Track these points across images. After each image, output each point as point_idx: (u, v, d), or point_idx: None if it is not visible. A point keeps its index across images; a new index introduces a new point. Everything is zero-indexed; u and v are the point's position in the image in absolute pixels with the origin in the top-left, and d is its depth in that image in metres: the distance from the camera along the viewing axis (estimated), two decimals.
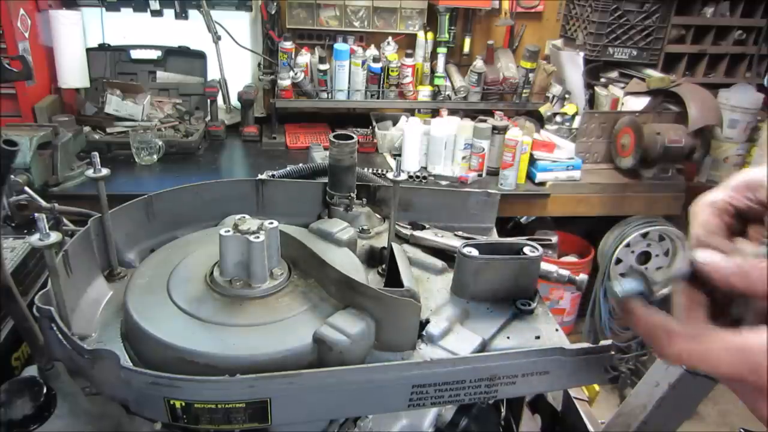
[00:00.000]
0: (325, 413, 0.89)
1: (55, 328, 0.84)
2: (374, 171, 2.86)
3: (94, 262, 1.07)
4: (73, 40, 3.07)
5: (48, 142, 2.48)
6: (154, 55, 3.39)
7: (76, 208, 1.31)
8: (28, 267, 1.15)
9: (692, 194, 3.15)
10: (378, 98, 3.39)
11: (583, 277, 1.08)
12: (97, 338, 0.94)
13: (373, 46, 3.37)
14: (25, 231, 1.23)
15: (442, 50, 3.44)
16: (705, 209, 0.65)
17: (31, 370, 0.89)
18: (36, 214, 0.81)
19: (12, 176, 1.42)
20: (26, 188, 1.31)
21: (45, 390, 0.83)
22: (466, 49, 3.61)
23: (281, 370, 0.79)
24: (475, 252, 1.00)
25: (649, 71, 3.31)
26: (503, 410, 1.19)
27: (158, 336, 0.86)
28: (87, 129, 3.02)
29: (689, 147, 2.99)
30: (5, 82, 2.55)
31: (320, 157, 2.64)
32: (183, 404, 0.78)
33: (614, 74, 3.46)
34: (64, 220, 1.31)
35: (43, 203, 1.26)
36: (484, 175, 3.05)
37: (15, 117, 2.84)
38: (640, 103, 3.20)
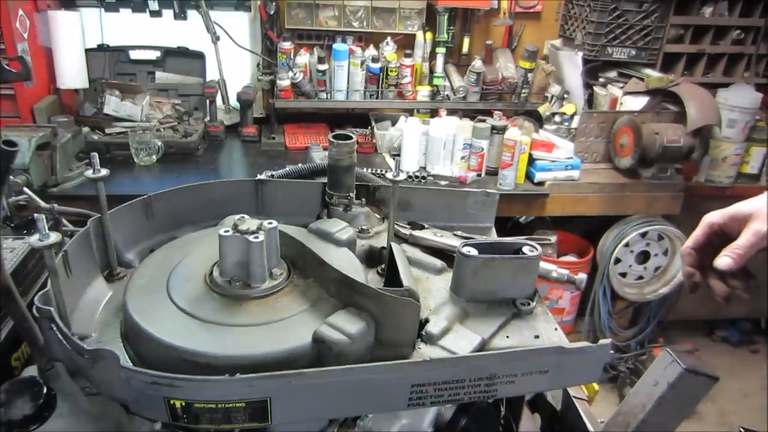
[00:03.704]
0: (324, 412, 0.89)
1: (54, 329, 0.84)
2: (373, 171, 2.86)
3: (94, 262, 1.07)
4: (71, 41, 3.07)
5: (47, 142, 2.47)
6: (153, 55, 3.38)
7: (75, 209, 1.32)
8: (28, 267, 1.15)
9: (691, 194, 3.17)
10: (377, 98, 3.39)
11: (582, 276, 1.08)
12: (97, 338, 0.94)
13: (371, 46, 3.37)
14: (25, 231, 1.24)
15: (440, 50, 3.44)
16: (703, 225, 0.99)
17: (31, 371, 0.89)
18: (35, 215, 0.81)
19: (11, 177, 1.42)
20: (25, 189, 1.31)
21: (45, 390, 0.83)
22: (465, 49, 3.61)
23: (281, 370, 0.79)
24: (474, 251, 1.00)
25: (648, 71, 3.31)
26: (503, 409, 1.19)
27: (158, 336, 0.87)
28: (86, 130, 3.02)
29: (688, 147, 2.99)
30: (4, 83, 2.55)
31: (319, 157, 2.64)
32: (183, 404, 0.78)
33: (613, 74, 3.46)
34: (64, 221, 1.31)
35: (43, 204, 1.26)
36: (483, 174, 3.05)
37: (14, 118, 2.84)
38: (638, 102, 3.20)
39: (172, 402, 0.78)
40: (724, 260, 0.93)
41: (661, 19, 3.23)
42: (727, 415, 3.34)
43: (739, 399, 3.41)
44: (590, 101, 3.44)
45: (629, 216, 3.22)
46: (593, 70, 3.46)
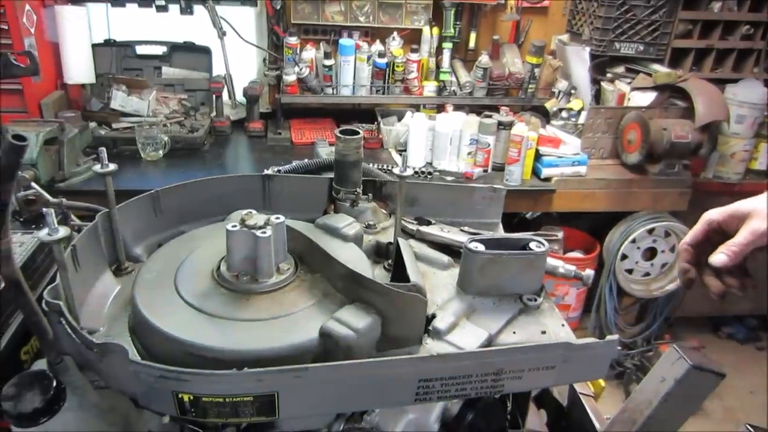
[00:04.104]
0: (331, 407, 0.89)
1: (63, 322, 0.84)
2: (380, 166, 2.86)
3: (102, 256, 1.08)
4: (78, 36, 3.08)
5: (54, 137, 2.48)
6: (159, 50, 3.38)
7: (83, 203, 1.32)
8: (37, 262, 1.16)
9: (698, 190, 3.15)
10: (383, 94, 3.38)
11: (589, 272, 1.08)
12: (106, 332, 0.95)
13: (378, 41, 3.36)
14: (33, 226, 1.24)
15: (447, 45, 3.43)
16: (702, 222, 1.00)
17: (41, 364, 0.90)
18: (44, 210, 0.82)
19: (19, 172, 1.43)
20: (33, 184, 1.32)
21: (54, 383, 0.83)
22: (472, 44, 3.60)
23: (288, 364, 0.80)
24: (481, 247, 1.00)
25: (656, 66, 3.29)
26: (509, 405, 1.19)
27: (166, 330, 0.87)
28: (93, 125, 3.02)
29: (696, 143, 2.97)
30: (12, 78, 2.55)
31: (326, 152, 2.64)
32: (191, 398, 0.78)
33: (620, 69, 3.44)
34: (72, 216, 1.32)
35: (51, 198, 1.27)
36: (489, 170, 3.04)
37: (21, 113, 2.85)
38: (646, 98, 3.18)
39: (180, 396, 0.78)
40: (719, 257, 0.93)
41: (669, 14, 3.21)
42: (733, 411, 3.33)
43: (745, 396, 3.40)
44: (597, 97, 3.42)
45: (636, 212, 3.20)
46: (601, 66, 3.44)
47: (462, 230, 1.25)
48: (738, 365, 3.65)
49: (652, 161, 3.06)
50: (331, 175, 1.29)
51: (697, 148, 3.00)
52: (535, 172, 3.01)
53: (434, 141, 3.04)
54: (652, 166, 3.08)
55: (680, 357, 1.18)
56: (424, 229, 1.24)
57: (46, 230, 0.81)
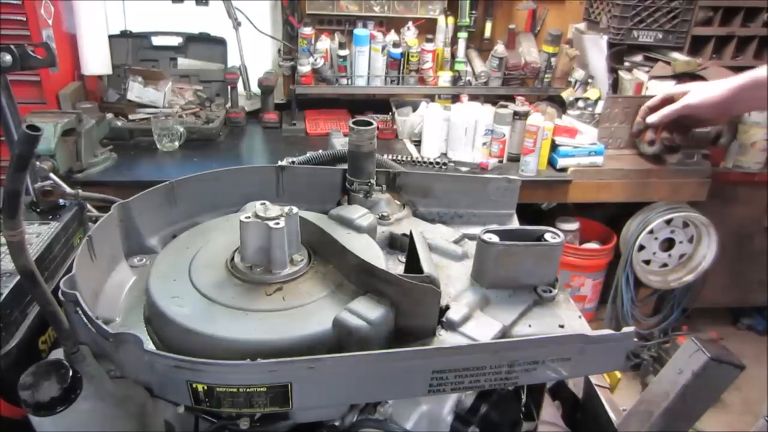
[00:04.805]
0: (345, 398, 0.89)
1: (80, 312, 0.85)
2: (394, 157, 2.86)
3: (118, 247, 1.09)
4: (95, 27, 3.09)
5: (72, 128, 2.50)
6: (175, 41, 3.39)
7: (99, 194, 1.33)
8: (54, 252, 1.17)
9: (718, 180, 3.11)
10: (398, 84, 3.37)
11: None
12: (121, 322, 0.96)
13: (393, 31, 3.34)
14: (50, 217, 1.25)
15: (462, 35, 3.40)
16: (662, 94, 1.44)
17: (58, 353, 0.90)
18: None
19: (38, 163, 1.44)
20: (51, 174, 1.33)
21: (71, 373, 0.84)
22: (487, 33, 3.57)
23: (302, 355, 0.80)
24: (495, 238, 0.99)
25: (675, 55, 3.24)
26: (524, 397, 1.19)
27: (180, 321, 0.88)
28: (110, 116, 3.04)
29: (715, 132, 2.92)
30: (30, 69, 2.58)
31: (340, 143, 2.64)
32: (205, 388, 0.79)
33: (639, 58, 3.39)
34: (89, 206, 1.33)
35: (68, 189, 1.28)
36: (504, 161, 3.01)
37: (40, 104, 2.87)
38: (665, 87, 3.13)
39: (194, 386, 0.79)
40: (651, 117, 1.44)
41: (689, 0, 3.15)
42: (753, 403, 3.30)
43: (764, 387, 3.35)
44: (615, 86, 3.38)
45: (654, 203, 3.16)
46: (618, 54, 3.39)
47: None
48: (757, 357, 3.60)
49: (670, 151, 3.02)
50: (345, 166, 1.29)
51: (716, 137, 2.95)
52: (551, 163, 2.98)
53: (449, 131, 3.02)
54: (670, 156, 3.03)
55: (698, 349, 1.17)
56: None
57: None
